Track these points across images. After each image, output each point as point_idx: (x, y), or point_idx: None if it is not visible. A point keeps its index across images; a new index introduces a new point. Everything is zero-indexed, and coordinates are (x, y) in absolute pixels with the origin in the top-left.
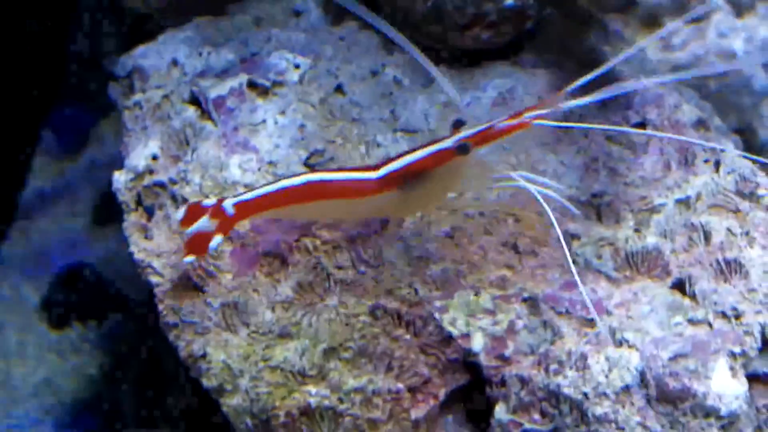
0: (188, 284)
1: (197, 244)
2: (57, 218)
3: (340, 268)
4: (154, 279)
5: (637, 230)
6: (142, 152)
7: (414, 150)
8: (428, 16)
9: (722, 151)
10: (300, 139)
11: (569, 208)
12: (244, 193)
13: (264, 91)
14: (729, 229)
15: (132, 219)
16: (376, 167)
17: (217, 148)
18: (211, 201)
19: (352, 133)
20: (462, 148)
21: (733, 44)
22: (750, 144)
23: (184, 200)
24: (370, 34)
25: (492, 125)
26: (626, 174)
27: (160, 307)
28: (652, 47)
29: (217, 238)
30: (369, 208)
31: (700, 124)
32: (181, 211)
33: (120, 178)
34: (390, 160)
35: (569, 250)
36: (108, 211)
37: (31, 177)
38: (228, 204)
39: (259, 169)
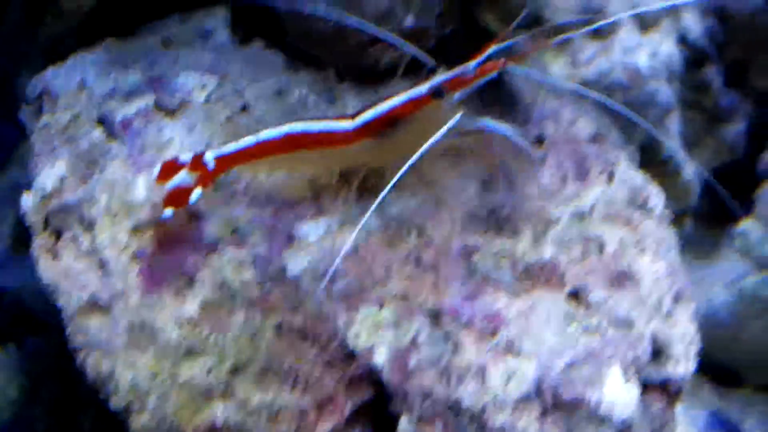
0: (95, 305)
1: (177, 198)
2: None
3: (245, 285)
4: (62, 300)
5: (534, 242)
6: (50, 173)
7: (389, 97)
8: (332, 36)
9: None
10: None
11: (527, 148)
12: (225, 145)
13: (171, 111)
14: (621, 240)
15: (40, 240)
16: (352, 116)
17: (125, 168)
18: (186, 156)
19: None
20: (437, 93)
21: (638, 60)
22: (655, 156)
23: (91, 222)
24: (276, 53)
25: (465, 70)
26: (524, 186)
27: (69, 328)
28: (558, 63)
29: (198, 191)
30: (347, 159)
31: (596, 137)
32: (155, 169)
33: (28, 200)
34: (366, 108)
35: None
36: (28, 234)
37: None
38: (209, 157)
39: None
